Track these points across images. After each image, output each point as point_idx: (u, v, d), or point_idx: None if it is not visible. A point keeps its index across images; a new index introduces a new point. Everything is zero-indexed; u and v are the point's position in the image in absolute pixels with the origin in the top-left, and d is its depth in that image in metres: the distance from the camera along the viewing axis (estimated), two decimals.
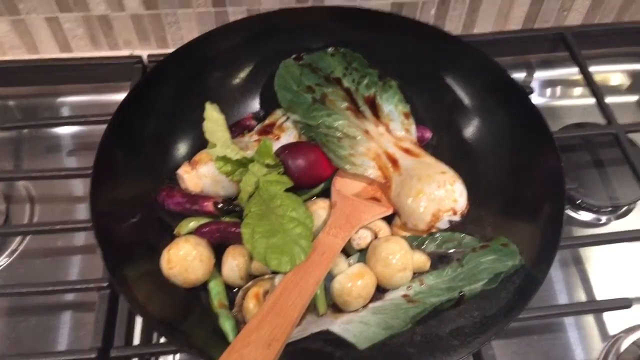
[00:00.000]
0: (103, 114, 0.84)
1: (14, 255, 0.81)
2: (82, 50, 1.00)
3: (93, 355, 0.65)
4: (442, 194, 0.67)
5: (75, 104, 0.98)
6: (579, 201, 0.85)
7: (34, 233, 0.79)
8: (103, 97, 0.98)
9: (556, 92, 1.02)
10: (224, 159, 0.67)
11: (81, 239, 0.81)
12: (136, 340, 0.70)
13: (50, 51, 0.99)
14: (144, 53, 0.97)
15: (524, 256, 0.65)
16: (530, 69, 1.03)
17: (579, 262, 0.82)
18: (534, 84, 1.01)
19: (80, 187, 0.87)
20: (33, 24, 0.94)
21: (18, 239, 0.81)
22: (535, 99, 0.98)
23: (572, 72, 0.98)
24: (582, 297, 0.78)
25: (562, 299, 0.78)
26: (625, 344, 0.72)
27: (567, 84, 1.03)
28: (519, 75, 1.03)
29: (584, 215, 0.86)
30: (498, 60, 0.98)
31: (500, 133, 0.77)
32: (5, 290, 0.71)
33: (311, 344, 0.62)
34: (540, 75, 1.03)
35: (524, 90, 0.74)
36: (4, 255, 0.80)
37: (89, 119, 0.85)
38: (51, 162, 0.90)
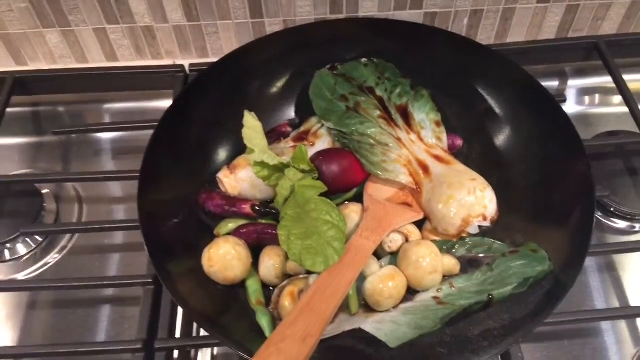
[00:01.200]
0: (146, 120, 0.89)
1: (64, 252, 0.86)
2: (127, 60, 1.05)
3: (139, 346, 0.68)
4: (472, 200, 0.69)
5: (120, 111, 1.03)
6: (612, 209, 0.86)
7: (82, 231, 0.84)
8: (146, 104, 1.03)
9: (590, 101, 1.02)
10: (262, 164, 0.70)
11: (124, 237, 0.86)
12: (178, 333, 0.74)
13: (97, 60, 1.05)
14: (185, 62, 1.01)
15: (554, 262, 0.66)
16: (563, 77, 1.04)
17: (612, 269, 0.82)
18: (568, 93, 1.02)
19: (122, 189, 0.92)
20: (82, 34, 1.00)
21: (67, 236, 0.86)
22: (569, 107, 0.99)
23: (605, 80, 0.98)
24: (615, 302, 0.78)
25: (595, 304, 0.78)
26: None
27: (601, 92, 1.03)
28: (552, 84, 1.04)
29: (618, 223, 0.86)
30: (531, 69, 0.99)
31: (531, 141, 0.78)
32: (57, 284, 0.76)
33: (343, 342, 0.65)
34: (573, 83, 1.04)
35: (554, 99, 0.75)
36: (54, 252, 0.86)
37: (133, 125, 0.90)
38: (97, 164, 0.95)
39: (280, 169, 0.71)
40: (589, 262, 0.81)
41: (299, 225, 0.65)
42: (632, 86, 0.94)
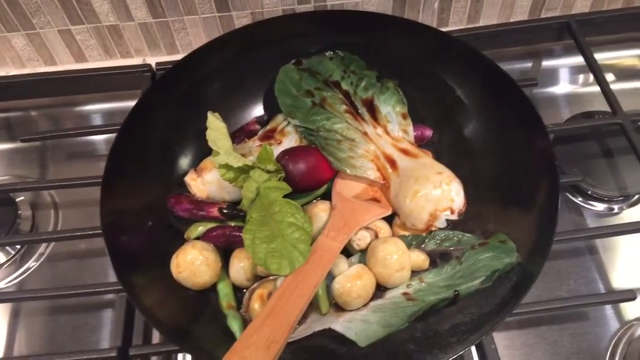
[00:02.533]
0: (110, 124, 0.89)
1: (43, 258, 0.86)
2: (96, 60, 1.04)
3: (113, 354, 0.69)
4: (439, 193, 0.69)
5: (92, 112, 1.02)
6: (590, 192, 0.85)
7: (57, 240, 0.83)
8: (117, 104, 1.02)
9: (564, 81, 1.01)
10: (226, 167, 0.70)
11: (102, 241, 0.85)
12: (155, 339, 0.74)
13: (66, 62, 1.04)
14: (155, 60, 1.00)
15: (522, 251, 0.66)
16: (537, 58, 1.03)
17: (593, 252, 0.82)
18: (542, 74, 1.01)
19: (97, 192, 0.90)
20: (47, 37, 0.98)
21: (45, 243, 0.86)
22: (542, 89, 0.98)
23: (578, 60, 0.97)
24: (597, 286, 0.78)
25: (572, 288, 0.78)
26: (639, 331, 0.72)
27: (574, 72, 1.02)
28: (525, 66, 1.03)
29: (597, 206, 0.86)
30: (503, 52, 0.99)
31: (498, 130, 0.77)
32: (32, 294, 0.76)
33: (315, 342, 0.65)
34: (547, 64, 1.03)
35: (518, 86, 0.74)
36: (33, 259, 0.86)
37: (99, 130, 0.89)
38: (72, 168, 0.95)
39: (246, 170, 0.70)
40: (567, 246, 0.80)
41: (264, 228, 0.65)
42: (606, 65, 0.93)
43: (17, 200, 0.90)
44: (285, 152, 0.74)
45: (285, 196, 0.68)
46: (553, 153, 0.69)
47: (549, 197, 0.67)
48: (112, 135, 0.84)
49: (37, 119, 1.03)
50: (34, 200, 0.92)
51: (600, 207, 0.86)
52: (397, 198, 0.71)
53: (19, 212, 0.88)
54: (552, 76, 1.01)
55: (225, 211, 0.72)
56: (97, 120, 1.01)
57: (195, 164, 0.79)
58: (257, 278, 0.70)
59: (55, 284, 0.82)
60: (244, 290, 0.70)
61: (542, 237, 0.65)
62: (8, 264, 0.85)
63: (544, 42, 1.01)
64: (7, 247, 0.85)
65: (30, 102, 1.03)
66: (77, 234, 0.78)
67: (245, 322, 0.67)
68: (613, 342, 0.74)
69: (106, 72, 0.96)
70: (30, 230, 0.88)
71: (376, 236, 0.71)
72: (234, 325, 0.65)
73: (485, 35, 0.96)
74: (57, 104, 1.03)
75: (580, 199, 0.87)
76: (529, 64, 1.03)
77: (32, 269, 0.85)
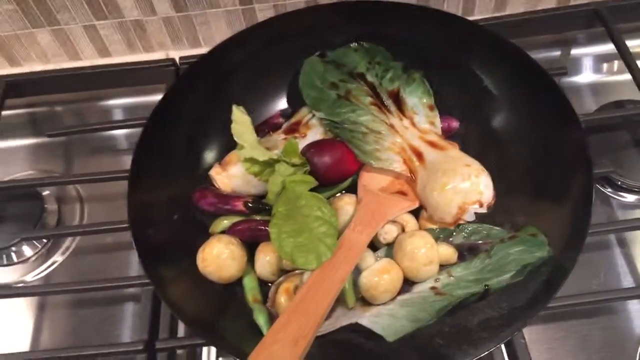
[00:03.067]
0: (136, 118, 0.89)
1: (69, 252, 0.87)
2: (120, 55, 1.04)
3: (140, 347, 0.69)
4: (467, 186, 0.67)
5: (117, 107, 1.03)
6: (620, 183, 0.83)
7: (83, 234, 0.84)
8: (141, 99, 1.02)
9: (594, 70, 0.99)
10: (251, 160, 0.69)
11: (127, 234, 0.86)
12: (181, 332, 0.74)
13: (90, 57, 1.04)
14: (178, 54, 1.00)
15: (553, 245, 0.65)
16: (565, 47, 1.00)
17: (623, 245, 0.80)
18: (571, 63, 0.98)
19: (123, 186, 0.90)
20: (72, 32, 0.99)
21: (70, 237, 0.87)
22: (572, 78, 0.96)
23: (609, 48, 0.94)
24: (626, 280, 0.76)
25: (603, 281, 0.76)
26: None
27: (605, 60, 0.99)
28: (554, 54, 1.00)
29: (627, 197, 0.84)
30: (531, 40, 0.97)
31: (528, 120, 0.75)
32: (58, 288, 0.76)
33: (341, 336, 0.64)
34: (576, 52, 1.00)
35: (549, 75, 0.72)
36: (59, 253, 0.87)
37: (124, 124, 0.89)
38: (97, 163, 0.95)
39: (271, 164, 0.70)
40: (596, 239, 0.78)
41: (290, 222, 0.64)
42: (637, 52, 0.90)
43: (44, 194, 0.91)
44: (311, 145, 0.73)
45: (310, 190, 0.67)
46: (587, 144, 0.67)
47: (583, 190, 0.65)
48: (136, 130, 0.86)
49: (61, 114, 1.04)
50: (59, 195, 0.92)
51: (630, 198, 0.84)
52: (424, 191, 0.70)
53: (45, 206, 0.89)
54: (579, 64, 0.99)
55: (250, 205, 0.71)
56: (121, 115, 1.01)
57: (220, 158, 0.79)
58: (283, 272, 0.69)
59: (81, 278, 0.82)
60: (270, 284, 0.70)
61: (575, 230, 0.63)
62: (34, 257, 0.86)
63: (573, 29, 0.98)
64: (34, 241, 0.87)
65: (55, 97, 1.03)
66: (103, 227, 0.79)
67: (271, 316, 0.66)
68: None
69: (130, 66, 0.96)
70: (57, 225, 0.89)
71: (403, 230, 0.70)
72: (260, 319, 0.65)
73: (512, 24, 0.94)
74: (82, 99, 1.03)
75: (609, 189, 0.85)
76: (557, 53, 1.00)
77: (58, 262, 0.86)
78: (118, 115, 1.02)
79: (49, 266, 0.86)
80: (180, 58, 0.97)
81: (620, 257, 0.79)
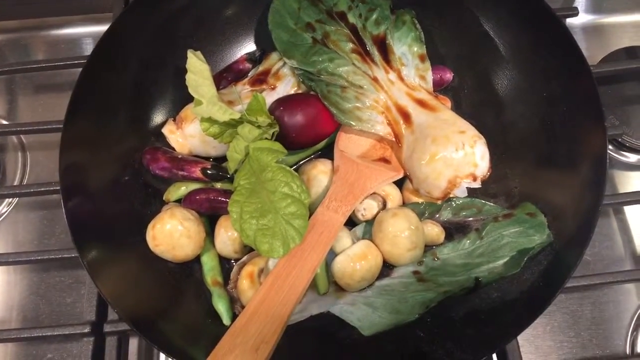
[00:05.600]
0: (74, 57, 0.78)
1: (12, 207, 0.77)
2: None
3: (86, 330, 0.62)
4: (461, 157, 0.58)
5: (60, 39, 0.90)
6: (626, 143, 0.75)
7: (21, 196, 0.74)
8: (91, 29, 0.90)
9: (606, 8, 0.87)
10: (210, 120, 0.59)
11: None
12: None
13: None
14: None
15: (554, 229, 0.57)
16: None
17: (618, 212, 0.73)
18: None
19: None
20: None
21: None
22: (582, 18, 0.85)
23: None
24: (621, 251, 0.71)
25: (597, 252, 0.71)
26: None
27: None
28: None
29: (629, 157, 0.77)
30: None
31: (532, 76, 0.65)
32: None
33: (312, 323, 0.58)
34: None
35: (559, 20, 0.62)
36: (3, 205, 0.77)
37: (60, 64, 0.78)
38: (43, 102, 0.84)
39: (233, 125, 0.59)
40: None
41: (254, 199, 0.55)
42: None
43: None
44: (280, 102, 0.62)
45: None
46: (600, 104, 0.58)
47: (594, 166, 0.56)
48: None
49: (1, 45, 0.91)
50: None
51: (632, 157, 0.77)
52: (410, 160, 0.61)
53: None
54: (592, 2, 0.87)
55: (209, 172, 0.62)
56: (67, 47, 0.89)
57: (174, 112, 0.68)
58: (247, 249, 0.61)
59: (27, 236, 0.75)
60: (232, 262, 0.62)
61: (582, 215, 0.55)
62: None
63: None
64: None
65: None
66: (42, 189, 0.68)
67: (232, 301, 0.59)
68: (638, 313, 0.68)
69: None
70: None
71: (384, 204, 0.61)
72: (220, 306, 0.57)
73: None
74: (23, 27, 0.91)
75: (610, 147, 0.76)
76: None
77: (3, 216, 0.77)
78: (64, 47, 0.89)
79: None
80: None
81: (614, 224, 0.73)
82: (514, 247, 0.56)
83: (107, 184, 0.63)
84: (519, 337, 0.57)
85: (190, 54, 0.61)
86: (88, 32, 0.89)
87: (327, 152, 0.66)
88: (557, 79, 0.63)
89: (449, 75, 0.69)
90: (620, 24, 0.87)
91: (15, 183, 0.78)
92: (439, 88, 0.69)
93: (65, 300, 0.70)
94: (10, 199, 0.78)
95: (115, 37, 0.65)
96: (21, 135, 0.82)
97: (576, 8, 0.78)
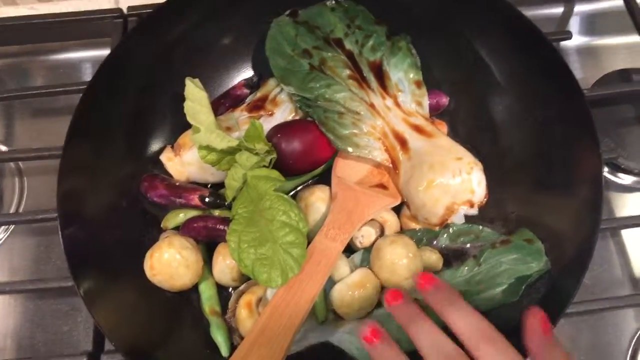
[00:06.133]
0: (75, 83, 0.77)
1: (8, 233, 0.76)
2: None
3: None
4: (458, 184, 0.58)
5: (58, 64, 0.90)
6: (621, 165, 0.75)
7: (18, 223, 0.74)
8: (87, 53, 0.90)
9: (599, 30, 0.88)
10: (208, 148, 0.59)
11: None
12: None
13: (28, 2, 0.90)
14: (126, 2, 0.86)
15: (552, 256, 0.57)
16: (569, 3, 0.89)
17: (615, 234, 0.73)
18: (574, 21, 0.88)
19: None
20: None
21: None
22: (575, 40, 0.85)
23: (616, 4, 0.83)
24: (618, 273, 0.71)
25: (596, 275, 0.70)
26: None
27: (612, 18, 0.88)
28: (556, 11, 0.89)
29: (624, 179, 0.77)
30: None
31: (528, 100, 0.66)
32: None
33: (310, 353, 0.57)
34: (580, 9, 0.89)
35: (554, 48, 0.62)
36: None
37: (60, 90, 0.77)
38: (40, 127, 0.84)
39: (231, 152, 0.59)
40: None
41: (252, 228, 0.55)
42: None
43: None
44: (278, 129, 0.63)
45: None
46: (594, 128, 0.58)
47: (590, 185, 0.57)
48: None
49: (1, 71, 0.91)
50: None
51: (627, 180, 0.77)
52: (407, 186, 0.61)
53: None
54: (585, 24, 0.88)
55: (207, 200, 0.62)
56: (67, 72, 0.88)
57: (172, 138, 0.68)
58: (245, 277, 0.61)
59: (23, 263, 0.73)
60: (230, 290, 0.62)
61: (579, 243, 0.55)
62: None
63: None
64: None
65: None
66: (39, 217, 0.68)
67: (231, 331, 0.59)
68: (636, 337, 0.67)
69: (73, 17, 0.82)
70: None
71: (382, 231, 0.61)
72: (219, 336, 0.57)
73: None
74: (22, 52, 0.90)
75: (606, 169, 0.77)
76: (560, 10, 0.89)
77: (0, 242, 0.76)
78: (63, 72, 0.89)
79: None
80: (129, 8, 0.83)
81: (612, 247, 0.72)
82: (512, 274, 0.56)
83: (105, 211, 0.62)
84: None
85: (188, 82, 0.62)
86: (87, 56, 0.89)
87: (325, 178, 0.66)
88: (551, 103, 0.63)
89: (444, 100, 0.69)
90: (613, 46, 0.87)
91: (12, 208, 0.77)
92: (435, 112, 0.69)
93: (61, 328, 0.69)
94: (6, 226, 0.77)
95: (114, 64, 0.66)
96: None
97: (569, 32, 0.78)
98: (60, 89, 0.77)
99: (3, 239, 0.76)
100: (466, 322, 0.43)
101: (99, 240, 0.60)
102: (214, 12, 0.71)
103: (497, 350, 0.41)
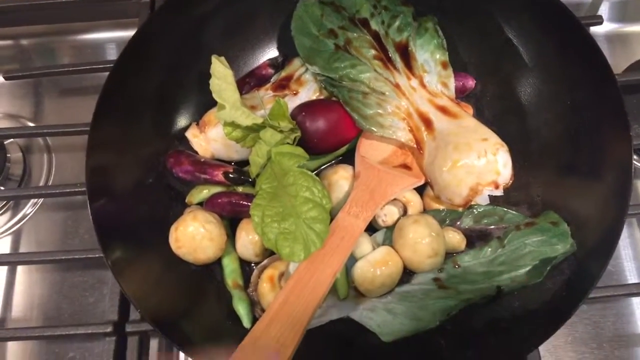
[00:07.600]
0: (101, 61, 0.78)
1: (37, 207, 0.78)
2: None
3: (108, 330, 0.62)
4: (483, 164, 0.58)
5: (85, 44, 0.91)
6: None
7: (46, 196, 0.75)
8: (117, 34, 0.91)
9: (630, 16, 0.86)
10: (233, 125, 0.59)
11: None
12: None
13: None
14: None
15: (577, 239, 0.56)
16: None
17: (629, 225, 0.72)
18: (604, 7, 0.86)
19: None
20: None
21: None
22: (605, 26, 0.84)
23: None
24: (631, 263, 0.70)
25: (619, 263, 0.70)
26: None
27: None
28: None
29: None
30: None
31: (557, 83, 0.65)
32: (22, 258, 0.70)
33: (331, 327, 0.58)
34: None
35: (587, 32, 0.61)
36: (28, 205, 0.78)
37: (87, 68, 0.78)
38: (68, 106, 0.85)
39: (255, 129, 0.60)
40: None
41: (275, 203, 0.55)
42: None
43: (6, 143, 0.81)
44: (302, 108, 0.63)
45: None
46: (625, 112, 0.57)
47: (619, 168, 0.56)
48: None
49: (29, 49, 0.93)
50: (25, 143, 0.83)
51: None
52: (432, 166, 0.60)
53: (8, 155, 0.80)
54: (615, 9, 0.86)
55: (231, 175, 0.62)
56: (93, 52, 0.90)
57: (198, 115, 0.69)
58: (267, 252, 0.61)
59: (51, 237, 0.75)
60: (253, 265, 0.62)
61: (606, 225, 0.54)
62: (2, 210, 0.78)
63: None
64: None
65: (21, 30, 0.91)
66: (68, 190, 0.69)
67: (253, 303, 0.59)
68: None
69: None
70: (22, 175, 0.80)
71: (405, 210, 0.61)
72: (241, 308, 0.58)
73: None
74: (50, 32, 0.92)
75: (635, 157, 0.75)
76: None
77: (29, 216, 0.78)
78: (90, 52, 0.90)
79: (18, 221, 0.78)
80: None
81: (638, 234, 0.72)
82: (537, 256, 0.56)
83: (132, 186, 0.63)
84: (540, 348, 0.57)
85: (214, 60, 0.62)
86: (113, 37, 0.90)
87: (349, 158, 0.66)
88: (581, 87, 0.62)
89: (471, 83, 0.68)
90: None
91: (41, 183, 0.79)
92: (461, 95, 0.68)
93: (87, 300, 0.71)
94: (36, 200, 0.79)
95: (141, 42, 0.66)
96: (47, 137, 0.84)
97: (601, 16, 0.77)
98: (88, 67, 0.78)
99: (32, 213, 0.78)
100: None
101: (125, 214, 0.61)
102: None
103: None
